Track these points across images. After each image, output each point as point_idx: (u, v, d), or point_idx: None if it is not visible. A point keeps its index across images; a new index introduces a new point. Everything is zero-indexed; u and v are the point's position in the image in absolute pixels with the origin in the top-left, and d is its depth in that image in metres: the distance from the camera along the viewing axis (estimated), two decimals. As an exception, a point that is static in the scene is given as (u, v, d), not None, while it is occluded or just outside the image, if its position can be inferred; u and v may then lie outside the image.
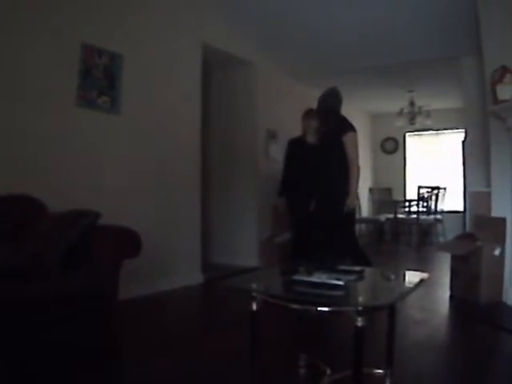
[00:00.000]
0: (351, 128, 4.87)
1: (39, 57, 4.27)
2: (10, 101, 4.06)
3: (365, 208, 11.42)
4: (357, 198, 4.87)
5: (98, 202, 4.20)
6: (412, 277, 2.74)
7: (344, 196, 4.75)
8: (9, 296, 2.71)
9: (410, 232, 10.17)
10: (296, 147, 6.00)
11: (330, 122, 5.00)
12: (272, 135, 7.45)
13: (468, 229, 6.48)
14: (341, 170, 4.80)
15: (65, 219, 3.45)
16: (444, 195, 10.18)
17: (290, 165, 6.01)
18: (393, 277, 2.74)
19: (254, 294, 2.30)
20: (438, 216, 10.03)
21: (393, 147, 12.29)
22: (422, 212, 9.77)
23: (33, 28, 4.21)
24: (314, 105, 5.21)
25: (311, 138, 5.85)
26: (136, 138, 5.21)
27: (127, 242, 3.45)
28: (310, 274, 2.41)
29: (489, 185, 5.35)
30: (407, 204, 10.27)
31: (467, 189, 6.84)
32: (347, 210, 4.79)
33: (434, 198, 9.87)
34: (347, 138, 4.80)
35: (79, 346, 3.15)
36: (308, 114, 5.92)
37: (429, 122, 9.74)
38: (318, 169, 5.10)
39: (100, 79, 4.81)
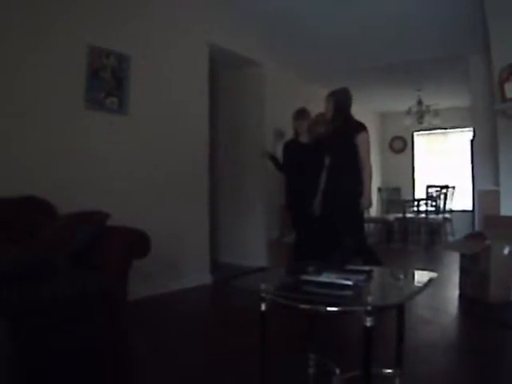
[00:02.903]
0: (364, 128, 4.88)
1: (47, 59, 4.28)
2: (19, 104, 4.08)
3: (374, 207, 11.40)
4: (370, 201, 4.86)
5: (106, 202, 4.21)
6: (421, 276, 2.73)
7: (358, 195, 4.76)
8: (20, 297, 2.72)
9: (418, 231, 10.15)
10: (292, 149, 6.05)
11: (341, 121, 5.01)
12: (280, 134, 7.45)
13: (477, 228, 6.46)
14: (353, 170, 4.80)
15: (74, 220, 3.47)
16: (453, 194, 10.16)
17: (290, 167, 6.05)
18: (402, 276, 2.74)
19: (263, 294, 2.30)
20: (447, 215, 10.01)
21: (401, 146, 12.27)
22: (431, 211, 9.76)
23: (40, 30, 4.23)
24: (322, 104, 5.21)
25: (304, 138, 5.90)
26: (144, 138, 5.22)
27: (136, 243, 3.46)
28: (318, 273, 2.42)
29: (497, 183, 5.34)
30: (416, 203, 10.23)
31: (476, 187, 6.82)
32: (362, 210, 4.82)
33: (442, 197, 9.86)
34: (360, 138, 4.81)
35: (88, 346, 3.16)
36: (300, 114, 5.97)
37: (437, 121, 9.71)
38: (323, 168, 5.14)
39: (108, 80, 4.82)
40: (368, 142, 4.88)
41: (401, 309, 2.60)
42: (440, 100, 9.71)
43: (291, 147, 6.09)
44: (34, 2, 4.19)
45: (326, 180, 5.11)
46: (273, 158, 6.42)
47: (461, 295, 5.13)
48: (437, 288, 5.28)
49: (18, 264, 3.01)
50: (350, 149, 4.83)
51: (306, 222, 5.74)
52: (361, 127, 4.88)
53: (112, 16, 4.90)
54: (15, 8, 4.04)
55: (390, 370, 2.66)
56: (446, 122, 10.55)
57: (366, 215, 6.01)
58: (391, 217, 10.30)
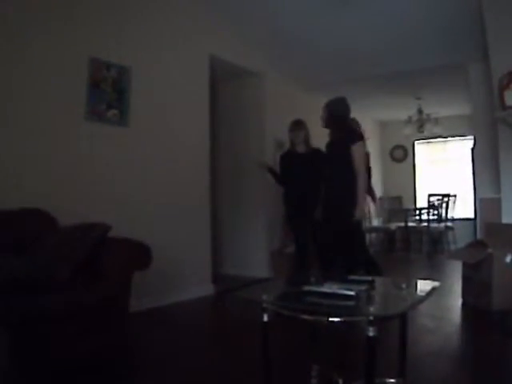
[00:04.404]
0: (360, 138, 4.86)
1: (48, 71, 4.31)
2: (20, 116, 4.09)
3: (375, 217, 11.38)
4: (367, 211, 4.82)
5: (107, 214, 4.22)
6: (423, 285, 2.72)
7: (352, 206, 4.73)
8: (21, 308, 2.72)
9: (420, 240, 10.13)
10: (289, 160, 6.04)
11: (336, 131, 5.01)
12: (280, 145, 7.45)
13: (479, 236, 6.45)
14: (348, 180, 4.79)
15: (75, 232, 3.47)
16: (454, 203, 10.14)
17: (288, 178, 6.04)
18: (404, 286, 2.73)
19: (265, 304, 2.29)
20: (449, 223, 9.98)
21: (402, 155, 12.27)
22: (433, 220, 9.73)
23: (41, 43, 4.25)
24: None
25: (301, 149, 5.90)
26: (145, 150, 5.23)
27: (138, 255, 3.46)
28: (320, 284, 2.41)
29: (499, 191, 5.34)
30: (418, 212, 10.22)
31: (477, 196, 6.81)
32: (356, 220, 4.77)
33: (444, 205, 9.83)
34: (355, 148, 4.78)
35: (90, 358, 3.15)
36: (296, 124, 5.97)
37: (437, 130, 9.72)
38: (320, 179, 5.15)
39: (109, 92, 4.84)
40: (363, 152, 4.85)
41: (403, 318, 2.59)
42: (440, 108, 9.72)
43: (288, 158, 6.09)
44: (36, 15, 4.21)
45: (324, 191, 5.11)
46: (271, 171, 6.40)
47: (464, 304, 5.11)
48: (439, 297, 5.27)
49: (19, 275, 3.02)
50: (345, 159, 4.81)
51: (306, 232, 5.75)
52: (356, 137, 4.86)
53: (113, 28, 4.93)
54: (16, 20, 4.06)
55: (393, 380, 2.64)
56: (447, 130, 10.55)
57: (368, 225, 6.03)
58: (393, 226, 10.28)
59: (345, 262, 4.88)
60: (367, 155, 5.92)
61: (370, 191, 6.81)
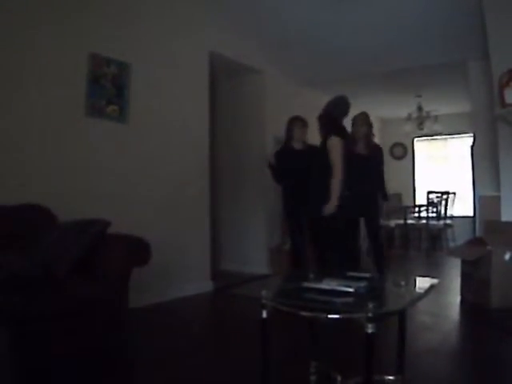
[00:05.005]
0: (335, 133, 4.91)
1: (48, 67, 4.30)
2: (20, 112, 4.09)
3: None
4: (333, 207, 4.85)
5: (106, 210, 4.21)
6: (422, 283, 2.73)
7: (323, 202, 4.79)
8: (19, 305, 2.72)
9: (419, 237, 10.13)
10: (286, 157, 5.99)
11: (324, 128, 5.08)
12: (280, 142, 7.44)
13: (478, 233, 6.45)
14: (322, 176, 4.84)
15: (75, 228, 3.47)
16: (453, 200, 10.14)
17: (286, 176, 6.02)
18: (403, 283, 2.73)
19: (264, 301, 2.30)
20: (448, 221, 9.99)
21: (401, 152, 12.25)
22: (432, 217, 9.73)
23: (41, 38, 4.25)
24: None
25: (299, 145, 5.88)
26: (144, 146, 5.23)
27: (137, 251, 3.46)
28: (319, 280, 2.41)
29: (498, 189, 5.34)
30: (417, 209, 10.22)
31: (476, 193, 6.81)
32: (327, 216, 4.82)
33: (443, 203, 9.83)
34: (329, 143, 4.87)
35: (89, 355, 3.16)
36: (301, 121, 5.95)
37: (437, 127, 9.72)
38: (309, 175, 5.21)
39: (108, 88, 4.84)
40: (336, 147, 4.90)
41: (402, 315, 2.60)
42: (440, 106, 9.71)
43: (285, 155, 6.03)
44: (36, 10, 4.21)
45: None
46: (270, 165, 6.36)
47: (462, 301, 5.12)
48: (438, 294, 5.27)
49: (18, 272, 3.02)
50: (324, 156, 4.88)
51: (304, 229, 5.77)
52: (330, 133, 4.92)
53: (113, 25, 4.92)
54: (17, 15, 4.06)
55: (391, 377, 2.65)
56: (446, 128, 10.54)
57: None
58: (392, 223, 10.27)
59: (336, 258, 4.92)
60: (379, 149, 5.97)
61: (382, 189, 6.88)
